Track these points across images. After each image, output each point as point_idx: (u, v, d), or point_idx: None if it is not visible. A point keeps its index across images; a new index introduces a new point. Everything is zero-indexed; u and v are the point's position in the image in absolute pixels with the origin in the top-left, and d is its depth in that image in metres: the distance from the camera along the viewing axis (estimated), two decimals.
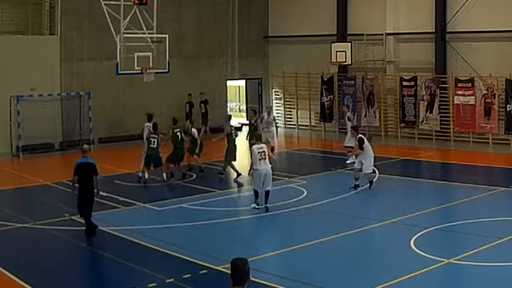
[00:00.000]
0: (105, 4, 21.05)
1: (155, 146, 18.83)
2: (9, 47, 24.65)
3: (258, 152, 15.79)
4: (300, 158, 24.82)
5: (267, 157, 15.87)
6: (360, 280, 11.11)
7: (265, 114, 23.32)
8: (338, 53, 28.18)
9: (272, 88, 33.25)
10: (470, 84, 25.52)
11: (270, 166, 16.02)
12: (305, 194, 17.52)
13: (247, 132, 22.64)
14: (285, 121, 32.64)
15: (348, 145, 21.02)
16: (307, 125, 31.44)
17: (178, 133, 19.49)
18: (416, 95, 27.10)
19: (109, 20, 21.01)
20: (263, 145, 16.20)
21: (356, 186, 17.70)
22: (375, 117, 28.56)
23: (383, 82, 28.43)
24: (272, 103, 33.26)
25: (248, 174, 17.07)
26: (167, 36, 22.62)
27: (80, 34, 26.91)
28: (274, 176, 19.83)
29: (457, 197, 17.23)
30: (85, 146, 14.85)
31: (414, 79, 27.14)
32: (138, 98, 28.12)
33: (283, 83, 32.40)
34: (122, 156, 24.80)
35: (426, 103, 26.85)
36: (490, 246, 12.33)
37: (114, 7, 21.25)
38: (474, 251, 12.02)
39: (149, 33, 21.78)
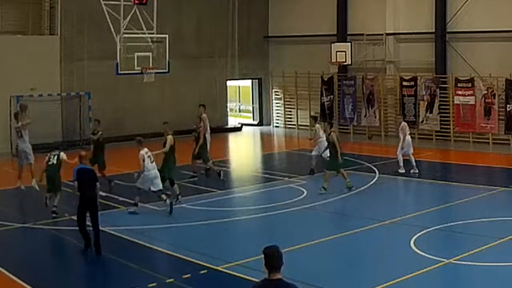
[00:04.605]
0: (105, 4, 21.04)
1: None
2: (9, 47, 24.66)
3: (148, 156, 15.59)
4: (300, 158, 24.80)
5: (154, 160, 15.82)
6: (360, 280, 11.12)
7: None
8: (338, 53, 28.21)
9: (272, 88, 33.26)
10: (470, 84, 25.53)
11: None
12: (305, 194, 17.53)
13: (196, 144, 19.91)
14: (285, 121, 32.66)
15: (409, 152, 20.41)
16: (307, 125, 31.40)
17: None
18: (416, 95, 27.10)
19: (109, 20, 21.00)
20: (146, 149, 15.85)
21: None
22: (375, 117, 28.58)
23: (383, 82, 28.43)
24: (272, 103, 33.31)
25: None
26: (167, 36, 22.62)
27: (80, 34, 26.94)
28: (274, 176, 19.96)
29: (457, 197, 17.22)
30: (83, 152, 14.16)
31: (414, 79, 27.14)
32: (138, 98, 28.15)
33: (283, 83, 32.40)
34: (122, 156, 24.77)
35: (426, 103, 26.86)
36: (490, 246, 12.33)
37: (114, 7, 21.24)
38: (474, 251, 12.02)
39: (149, 33, 21.77)
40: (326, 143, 19.14)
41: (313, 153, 20.31)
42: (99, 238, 12.72)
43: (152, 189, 15.70)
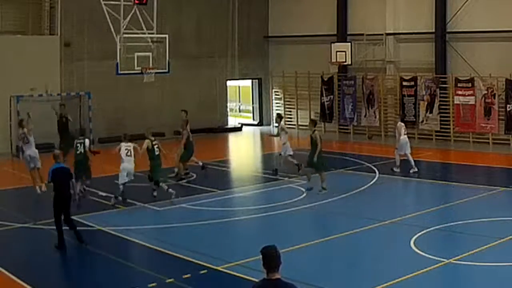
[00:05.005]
0: (105, 4, 21.05)
1: None
2: (9, 47, 24.67)
3: (126, 148, 16.65)
4: (300, 158, 24.79)
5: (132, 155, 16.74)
6: (360, 280, 11.11)
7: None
8: (338, 53, 28.22)
9: (272, 88, 33.26)
10: (470, 84, 25.52)
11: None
12: (305, 194, 17.52)
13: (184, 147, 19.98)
14: (285, 121, 32.59)
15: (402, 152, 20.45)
16: (307, 125, 31.40)
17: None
18: (416, 95, 27.10)
19: (109, 20, 21.02)
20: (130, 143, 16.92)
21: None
22: (375, 117, 28.58)
23: (383, 82, 28.43)
24: (272, 103, 33.30)
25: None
26: (167, 36, 22.64)
27: (80, 34, 26.93)
28: (275, 176, 19.99)
29: (457, 197, 17.21)
30: (56, 151, 14.15)
31: (414, 79, 27.14)
32: (138, 98, 28.15)
33: (283, 83, 32.40)
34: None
35: (426, 103, 26.85)
36: (490, 246, 12.33)
37: (114, 7, 21.25)
38: (474, 251, 12.02)
39: (149, 33, 21.79)
40: (289, 147, 20.32)
41: (283, 153, 20.47)
42: (77, 230, 13.10)
43: (126, 179, 16.45)
